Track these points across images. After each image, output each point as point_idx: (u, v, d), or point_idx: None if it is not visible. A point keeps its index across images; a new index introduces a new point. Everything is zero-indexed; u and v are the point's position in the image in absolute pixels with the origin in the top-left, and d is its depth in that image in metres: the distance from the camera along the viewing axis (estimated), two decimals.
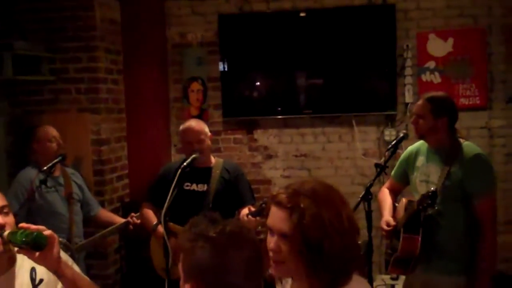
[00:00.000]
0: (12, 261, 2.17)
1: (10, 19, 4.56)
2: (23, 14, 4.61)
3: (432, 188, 3.01)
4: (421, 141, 3.33)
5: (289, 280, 1.81)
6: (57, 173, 3.88)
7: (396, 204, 3.41)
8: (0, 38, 4.24)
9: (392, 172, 3.55)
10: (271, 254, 1.66)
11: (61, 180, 3.92)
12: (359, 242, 1.77)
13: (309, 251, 1.59)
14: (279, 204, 1.64)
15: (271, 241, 1.65)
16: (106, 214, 4.23)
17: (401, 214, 3.26)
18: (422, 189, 3.23)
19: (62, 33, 4.60)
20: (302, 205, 1.60)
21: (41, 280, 2.23)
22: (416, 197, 3.28)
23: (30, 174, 3.75)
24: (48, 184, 3.68)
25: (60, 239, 3.57)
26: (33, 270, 2.22)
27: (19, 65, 4.25)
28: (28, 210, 3.56)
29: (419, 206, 3.01)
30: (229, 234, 1.47)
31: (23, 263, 2.22)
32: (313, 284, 1.66)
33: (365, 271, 3.26)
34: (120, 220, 4.03)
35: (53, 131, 3.94)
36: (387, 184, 3.62)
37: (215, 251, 1.44)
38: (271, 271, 1.70)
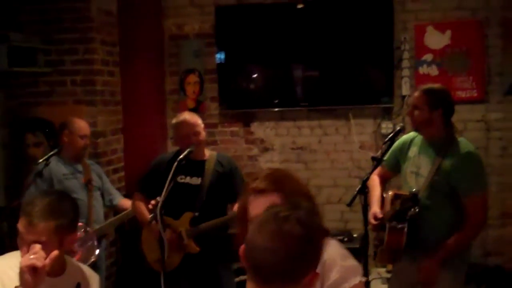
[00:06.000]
0: (63, 268, 2.21)
1: (6, 11, 4.53)
2: (19, 5, 4.58)
3: (413, 190, 3.02)
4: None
5: None
6: (74, 161, 4.01)
7: (384, 195, 3.39)
8: None
9: (384, 159, 3.53)
10: None
11: (80, 168, 4.01)
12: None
13: None
14: (262, 192, 1.87)
15: None
16: (128, 202, 4.26)
17: (388, 207, 3.26)
18: (411, 181, 3.24)
19: (58, 24, 4.58)
20: (285, 186, 1.88)
21: None
22: (404, 188, 3.29)
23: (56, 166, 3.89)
24: (66, 171, 3.90)
25: (80, 223, 3.65)
26: (78, 285, 2.24)
27: (15, 56, 4.23)
28: None
29: (401, 207, 3.01)
30: None
31: (72, 274, 2.25)
32: None
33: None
34: None
35: (86, 129, 4.01)
36: (377, 170, 3.58)
37: None
38: None
